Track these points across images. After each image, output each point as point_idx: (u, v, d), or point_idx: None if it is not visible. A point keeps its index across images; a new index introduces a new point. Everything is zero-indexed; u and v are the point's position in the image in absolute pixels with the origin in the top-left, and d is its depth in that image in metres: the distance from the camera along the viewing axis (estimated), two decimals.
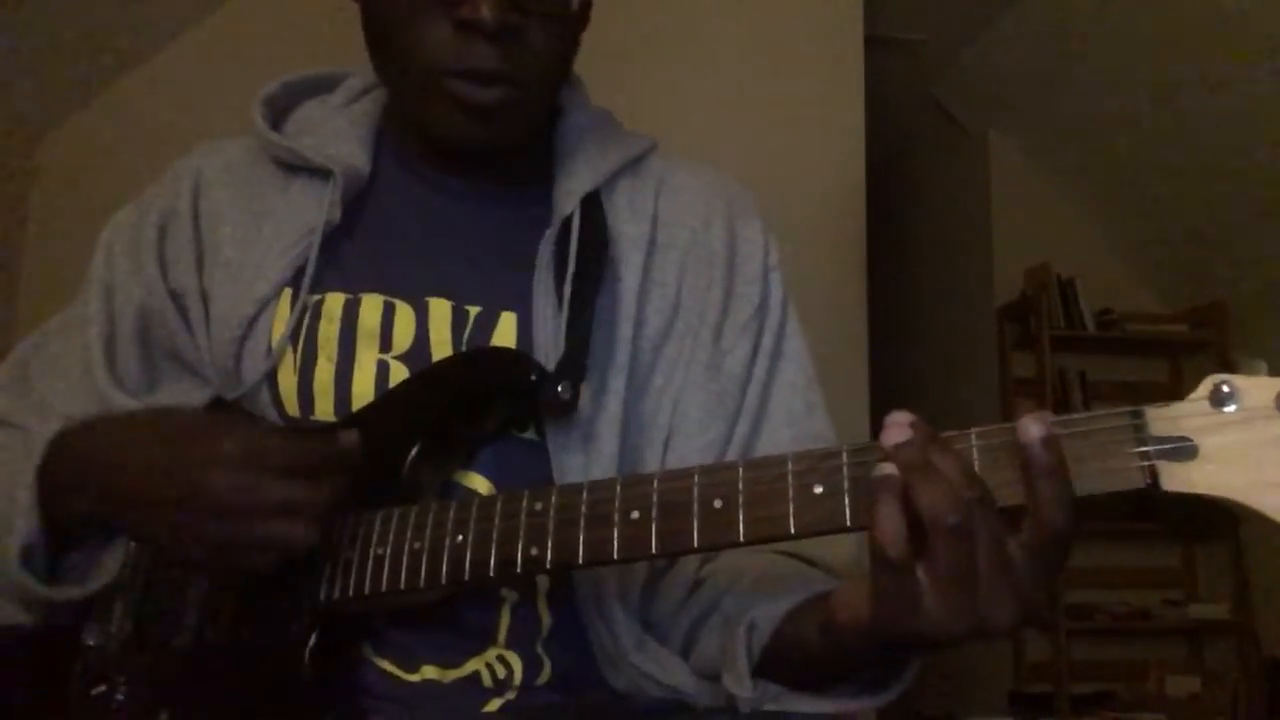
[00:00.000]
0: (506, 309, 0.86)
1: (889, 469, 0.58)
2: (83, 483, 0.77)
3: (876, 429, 0.61)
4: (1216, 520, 3.97)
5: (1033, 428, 0.57)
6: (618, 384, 0.85)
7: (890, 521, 0.57)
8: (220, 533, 0.71)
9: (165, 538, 0.74)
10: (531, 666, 0.82)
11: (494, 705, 0.80)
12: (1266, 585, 3.95)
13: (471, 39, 0.80)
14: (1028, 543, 0.58)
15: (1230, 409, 0.54)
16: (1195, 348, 4.28)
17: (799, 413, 0.91)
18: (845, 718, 0.73)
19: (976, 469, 0.59)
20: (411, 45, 0.82)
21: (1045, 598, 0.61)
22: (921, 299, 5.05)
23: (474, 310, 0.85)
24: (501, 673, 0.81)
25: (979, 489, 0.57)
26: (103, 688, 0.78)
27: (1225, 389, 0.54)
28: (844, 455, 0.62)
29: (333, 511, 0.74)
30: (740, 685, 0.73)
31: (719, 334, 0.91)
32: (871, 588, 0.61)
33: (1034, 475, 0.57)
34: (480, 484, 0.82)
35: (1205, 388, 0.55)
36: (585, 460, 0.82)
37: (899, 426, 0.59)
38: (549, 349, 0.83)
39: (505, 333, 0.85)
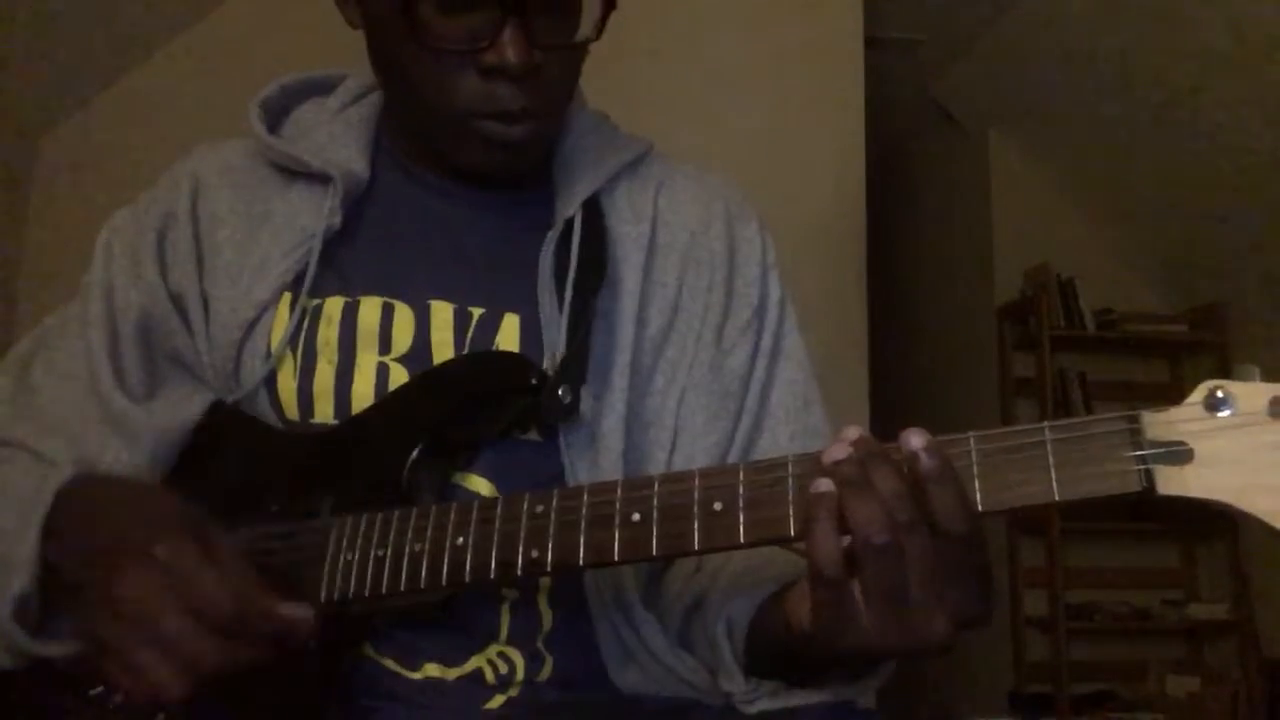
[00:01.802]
0: (510, 311, 0.86)
1: (825, 485, 0.59)
2: (68, 544, 0.73)
3: (876, 429, 0.62)
4: (1216, 520, 3.97)
5: (914, 439, 0.58)
6: (621, 384, 0.85)
7: (826, 539, 0.59)
8: (109, 635, 0.65)
9: (82, 621, 0.69)
10: (533, 662, 0.82)
11: (496, 702, 0.81)
12: (1266, 585, 3.95)
13: (498, 82, 0.81)
14: (940, 555, 0.59)
15: (1225, 414, 0.55)
16: (1195, 348, 4.28)
17: (797, 410, 0.93)
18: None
19: (975, 473, 0.59)
20: (437, 92, 0.83)
21: (979, 611, 0.62)
22: (921, 299, 5.05)
23: (477, 312, 0.86)
24: (504, 669, 0.81)
25: (912, 508, 0.58)
26: (101, 688, 0.78)
27: (1219, 394, 0.55)
28: None
29: (229, 674, 0.65)
30: (732, 683, 0.74)
31: (720, 335, 0.92)
32: (811, 602, 0.62)
33: (923, 484, 0.58)
34: (481, 485, 0.82)
35: (1200, 393, 0.56)
36: (594, 460, 0.83)
37: (841, 444, 0.61)
38: (552, 351, 0.83)
39: (509, 334, 0.85)
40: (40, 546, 0.73)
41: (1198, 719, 3.79)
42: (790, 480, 0.63)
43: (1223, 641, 4.13)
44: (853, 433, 0.62)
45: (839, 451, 0.61)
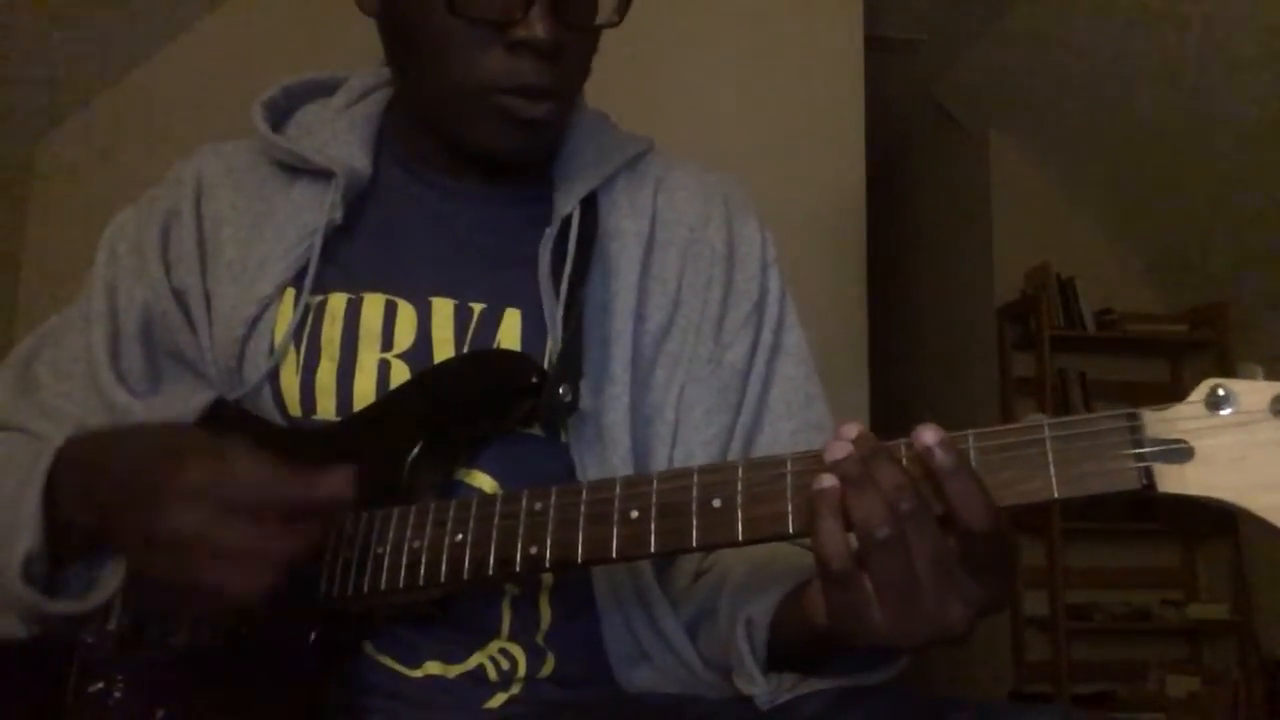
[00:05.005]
0: (512, 306, 0.86)
1: (828, 482, 0.59)
2: (81, 496, 0.75)
3: (877, 429, 0.62)
4: (1217, 520, 3.97)
5: (927, 434, 0.58)
6: (624, 378, 0.85)
7: (831, 536, 0.59)
8: (169, 570, 0.66)
9: (134, 565, 0.73)
10: (535, 658, 0.82)
11: (498, 700, 0.81)
12: (1266, 585, 3.95)
13: (523, 57, 0.82)
14: (958, 547, 0.59)
15: (1226, 412, 0.54)
16: (1195, 348, 4.28)
17: (798, 405, 0.93)
18: None
19: (974, 467, 0.59)
20: (462, 66, 0.83)
21: (996, 597, 0.62)
22: (921, 299, 5.05)
23: (478, 307, 0.86)
24: (505, 665, 0.81)
25: (915, 500, 0.58)
26: (100, 685, 0.78)
27: (1221, 392, 0.54)
28: None
29: (299, 561, 0.67)
30: (754, 685, 0.73)
31: (719, 329, 0.92)
32: (824, 598, 0.62)
33: (939, 479, 0.58)
34: (485, 482, 0.83)
35: (1201, 391, 0.55)
36: (602, 455, 0.83)
37: (840, 442, 0.61)
38: (553, 347, 0.84)
39: (510, 329, 0.86)
40: (44, 507, 0.75)
41: (1197, 719, 3.79)
42: (789, 477, 0.62)
43: (1223, 641, 4.13)
44: (852, 430, 0.61)
45: (839, 450, 0.60)
